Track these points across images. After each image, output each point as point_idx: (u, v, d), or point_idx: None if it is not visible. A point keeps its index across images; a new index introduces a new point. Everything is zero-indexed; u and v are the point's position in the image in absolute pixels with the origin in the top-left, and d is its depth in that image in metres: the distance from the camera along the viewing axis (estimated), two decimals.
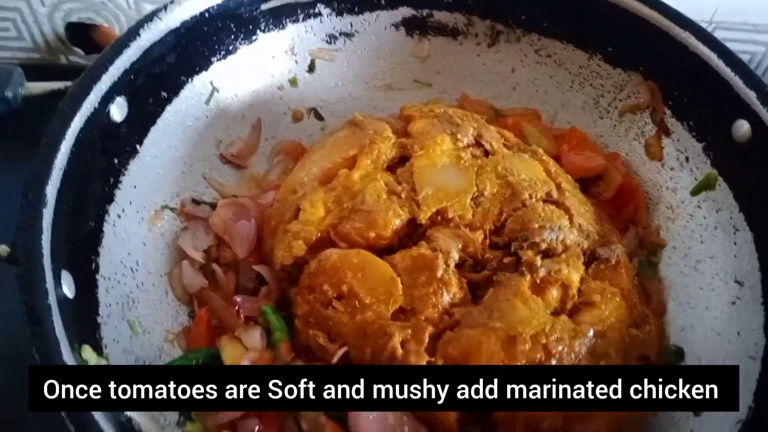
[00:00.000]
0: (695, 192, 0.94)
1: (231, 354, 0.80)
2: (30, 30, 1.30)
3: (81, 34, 1.28)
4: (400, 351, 0.74)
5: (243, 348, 0.81)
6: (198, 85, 0.96)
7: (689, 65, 0.91)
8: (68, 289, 0.71)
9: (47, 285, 0.66)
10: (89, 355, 0.69)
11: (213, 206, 0.94)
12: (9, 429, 0.88)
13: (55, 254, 0.69)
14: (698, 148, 0.94)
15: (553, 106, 1.06)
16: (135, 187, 0.88)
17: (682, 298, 0.91)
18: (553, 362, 0.73)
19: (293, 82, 1.05)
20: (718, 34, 1.10)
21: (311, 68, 1.06)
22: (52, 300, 0.65)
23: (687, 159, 0.95)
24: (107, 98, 0.81)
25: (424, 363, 0.73)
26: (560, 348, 0.73)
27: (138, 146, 0.89)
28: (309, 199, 0.84)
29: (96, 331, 0.74)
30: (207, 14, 0.92)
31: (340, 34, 1.06)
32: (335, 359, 0.77)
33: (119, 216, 0.85)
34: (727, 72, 0.87)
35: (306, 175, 0.89)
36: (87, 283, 0.76)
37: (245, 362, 0.79)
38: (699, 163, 0.94)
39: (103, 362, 0.71)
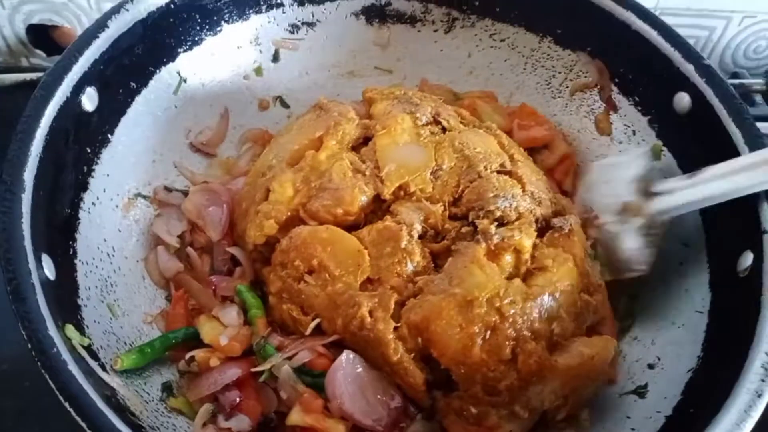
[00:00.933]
0: None
1: (210, 332, 0.83)
2: None
3: (42, 35, 1.29)
4: (368, 319, 0.77)
5: (221, 326, 0.84)
6: (166, 76, 0.98)
7: (633, 43, 0.96)
8: (49, 272, 0.73)
9: (30, 265, 0.68)
10: (73, 334, 0.71)
11: (185, 193, 0.96)
12: None
13: (35, 238, 0.71)
14: (643, 122, 0.99)
15: (509, 88, 1.11)
16: (108, 175, 0.90)
17: None
18: (507, 325, 0.77)
19: (258, 71, 1.08)
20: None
21: (275, 58, 1.09)
22: (35, 280, 0.68)
23: (634, 132, 1.01)
24: (78, 88, 0.83)
25: (391, 329, 0.77)
26: (513, 311, 0.77)
27: (110, 135, 0.91)
28: (278, 180, 0.88)
29: (77, 313, 0.76)
30: (173, 5, 0.94)
31: (303, 23, 1.09)
32: (308, 330, 0.81)
33: (93, 204, 0.87)
34: (667, 48, 0.93)
35: (274, 158, 0.92)
36: (66, 267, 0.79)
37: (224, 339, 0.82)
38: (645, 136, 0.99)
39: (86, 342, 0.73)
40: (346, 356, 0.78)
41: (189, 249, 0.93)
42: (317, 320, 0.81)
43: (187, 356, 0.81)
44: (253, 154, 1.04)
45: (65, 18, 1.30)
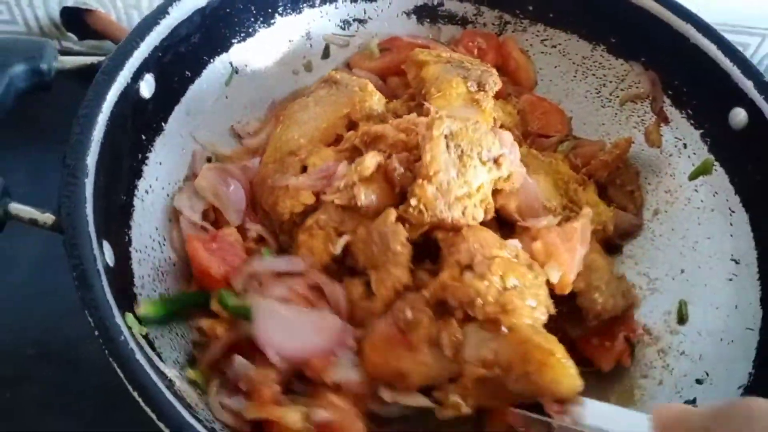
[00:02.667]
0: (693, 177, 0.99)
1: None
2: (23, 14, 1.28)
3: (76, 18, 1.27)
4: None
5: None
6: (219, 66, 0.97)
7: (689, 56, 0.96)
8: (110, 259, 0.72)
9: (95, 251, 0.67)
10: (133, 323, 0.70)
11: None
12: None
13: (97, 224, 0.70)
14: (696, 135, 0.99)
15: (557, 95, 1.11)
16: (160, 163, 0.89)
17: (681, 276, 0.96)
18: None
19: (308, 66, 1.08)
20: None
21: (326, 54, 1.08)
22: (100, 266, 0.67)
23: (685, 146, 1.00)
24: (138, 74, 0.82)
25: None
26: None
27: (163, 123, 0.90)
28: (319, 157, 0.87)
29: (134, 302, 0.76)
30: None
31: (354, 20, 1.09)
32: (338, 249, 0.81)
33: (147, 191, 0.86)
34: (726, 63, 0.92)
35: (301, 137, 0.91)
36: (123, 254, 0.78)
37: None
38: (696, 150, 0.99)
39: (144, 331, 0.72)
40: (262, 306, 0.77)
41: (210, 227, 0.89)
42: (346, 237, 0.81)
43: (196, 326, 0.80)
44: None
45: (100, 2, 1.28)
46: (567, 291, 0.81)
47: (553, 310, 0.77)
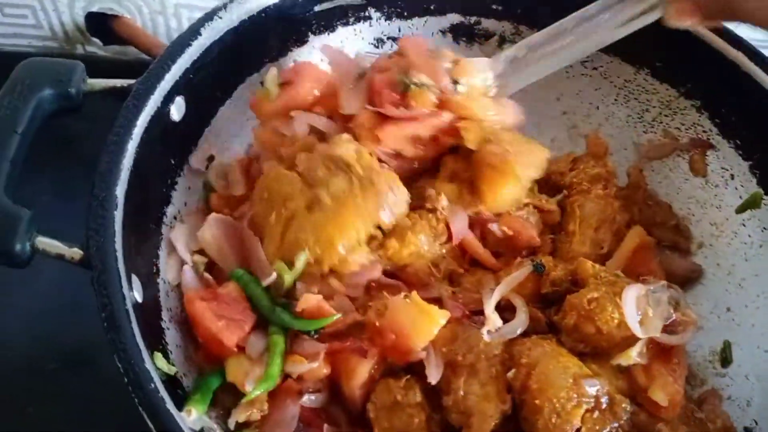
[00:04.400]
0: (740, 210, 0.95)
1: (234, 369, 0.75)
2: (49, 18, 1.27)
3: (101, 24, 1.25)
4: None
5: (246, 360, 0.74)
6: (249, 87, 0.94)
7: (739, 85, 0.91)
8: (138, 294, 0.69)
9: (124, 290, 0.64)
10: (161, 362, 0.67)
11: None
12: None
13: (126, 258, 0.68)
14: (744, 167, 0.95)
15: (597, 118, 1.07)
16: (189, 188, 0.87)
17: (726, 315, 0.92)
18: None
19: None
20: None
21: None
22: (129, 305, 0.64)
23: (732, 176, 0.96)
24: (169, 97, 0.80)
25: None
26: None
27: (193, 147, 0.88)
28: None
29: (162, 337, 0.73)
30: (264, 14, 0.90)
31: (388, 38, 1.05)
32: None
33: (175, 218, 0.83)
34: None
35: (317, 244, 0.76)
36: (151, 287, 0.75)
37: (249, 385, 0.72)
38: (744, 182, 0.95)
39: (174, 370, 0.69)
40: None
41: (207, 276, 0.81)
42: None
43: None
44: None
45: (126, 8, 1.26)
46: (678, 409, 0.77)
47: None
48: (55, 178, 1.03)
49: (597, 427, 0.72)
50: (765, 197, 0.92)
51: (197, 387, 0.72)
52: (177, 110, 0.82)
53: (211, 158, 0.91)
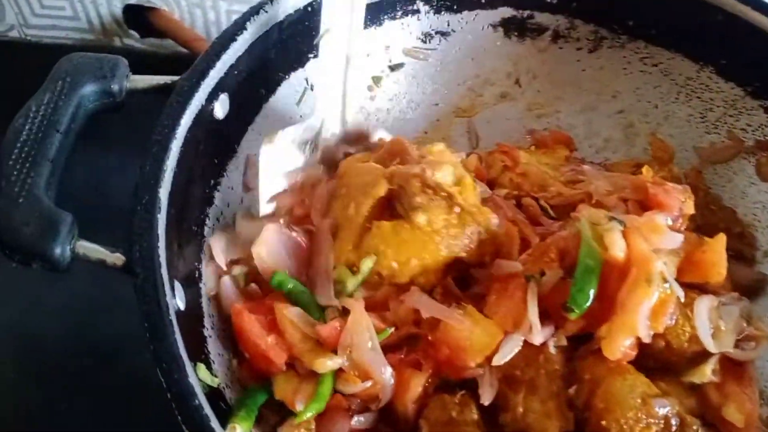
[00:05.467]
0: None
1: (282, 386, 0.72)
2: (86, 10, 1.26)
3: (138, 16, 1.24)
4: None
5: (295, 377, 0.72)
6: (294, 82, 0.91)
7: None
8: (180, 301, 0.67)
9: (167, 298, 0.62)
10: (204, 374, 0.65)
11: None
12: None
13: (170, 264, 0.65)
14: None
15: (656, 117, 1.01)
16: (232, 188, 0.84)
17: None
18: None
19: (384, 80, 1.01)
20: None
21: (403, 66, 1.01)
22: (172, 314, 0.61)
23: None
24: (213, 95, 0.77)
25: None
26: None
27: (236, 146, 0.85)
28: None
29: (204, 346, 0.70)
30: (309, 8, 0.87)
31: (436, 32, 1.01)
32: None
33: (218, 219, 0.81)
34: None
35: (404, 267, 0.74)
36: (193, 293, 0.72)
37: (299, 405, 0.69)
38: None
39: (216, 382, 0.67)
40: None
41: (253, 286, 0.78)
42: None
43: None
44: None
45: (164, 0, 1.24)
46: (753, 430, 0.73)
47: None
48: (96, 177, 1.00)
49: None
50: None
51: (242, 403, 0.69)
52: (221, 108, 0.79)
53: None
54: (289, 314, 0.70)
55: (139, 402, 0.85)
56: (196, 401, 0.57)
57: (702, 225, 0.91)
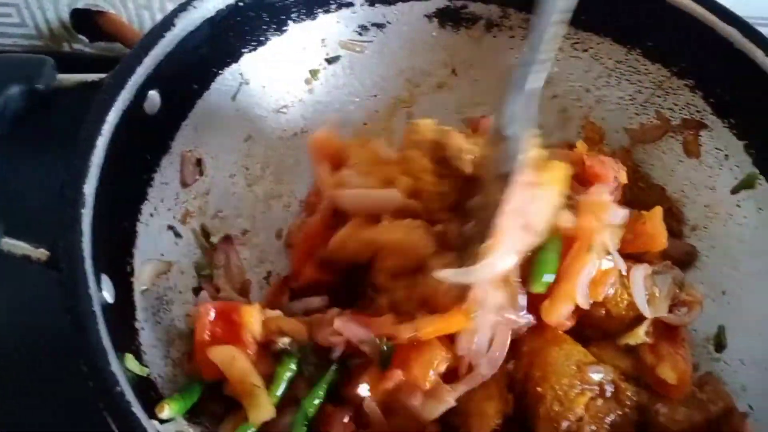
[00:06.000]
0: (735, 191, 0.92)
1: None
2: (33, 16, 1.26)
3: (86, 20, 1.25)
4: None
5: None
6: (228, 78, 0.92)
7: (733, 62, 0.88)
8: (108, 295, 0.68)
9: (90, 291, 0.63)
10: (132, 364, 0.66)
11: None
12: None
13: (95, 258, 0.66)
14: (739, 146, 0.92)
15: (588, 101, 1.03)
16: (166, 184, 0.85)
17: (722, 298, 0.89)
18: None
19: (320, 73, 1.02)
20: None
21: (340, 60, 1.02)
22: (96, 306, 0.63)
23: (726, 157, 0.93)
24: (142, 91, 0.78)
25: None
26: None
27: (170, 141, 0.86)
28: None
29: (135, 338, 0.72)
30: (241, 2, 0.88)
31: (372, 24, 1.02)
32: None
33: (151, 215, 0.82)
34: None
35: None
36: (124, 287, 0.74)
37: None
38: (739, 162, 0.92)
39: (146, 371, 0.68)
40: None
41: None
42: None
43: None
44: None
45: (111, 3, 1.25)
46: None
47: None
48: (27, 179, 1.01)
49: (600, 415, 0.70)
50: (760, 177, 0.89)
51: (182, 390, 0.71)
52: (151, 104, 0.80)
53: (198, 162, 0.91)
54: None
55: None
56: (119, 388, 0.58)
57: (632, 201, 0.94)
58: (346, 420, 0.70)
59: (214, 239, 0.91)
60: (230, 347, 0.71)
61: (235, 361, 0.70)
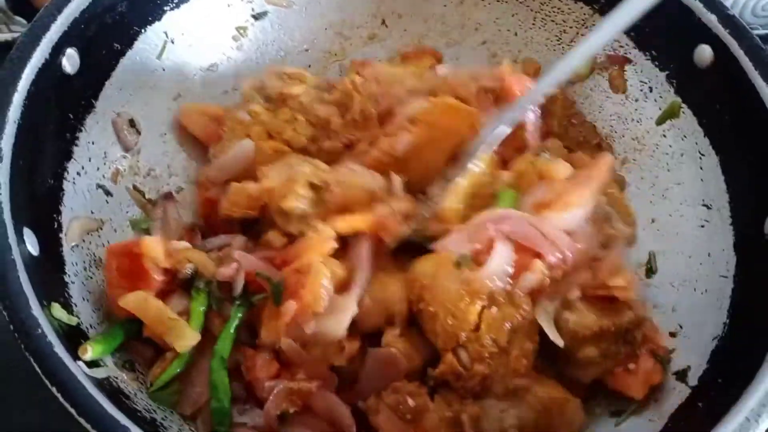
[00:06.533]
0: (660, 121, 0.94)
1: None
2: None
3: (22, 2, 1.22)
4: None
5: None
6: (152, 36, 0.92)
7: None
8: (32, 247, 0.68)
9: (9, 240, 0.63)
10: (59, 313, 0.66)
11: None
12: None
13: (15, 211, 0.66)
14: (661, 77, 0.94)
15: (516, 44, 1.05)
16: (93, 143, 0.85)
17: (651, 226, 0.92)
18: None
19: (248, 30, 1.02)
20: None
21: (267, 15, 1.02)
22: (16, 256, 0.63)
23: (650, 89, 0.96)
24: (58, 49, 0.77)
25: None
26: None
27: (93, 100, 0.85)
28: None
29: (64, 290, 0.71)
30: None
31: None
32: None
33: (78, 174, 0.82)
34: None
35: None
36: (51, 241, 0.73)
37: None
38: (662, 92, 0.94)
39: (75, 321, 0.68)
40: None
41: None
42: None
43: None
44: None
45: None
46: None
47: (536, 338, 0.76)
48: None
49: (498, 323, 0.72)
50: (683, 105, 0.92)
51: (104, 332, 0.72)
52: (69, 62, 0.79)
53: (131, 122, 0.90)
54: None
55: None
56: (39, 330, 0.59)
57: (564, 136, 0.97)
58: (267, 358, 0.72)
59: (151, 197, 0.90)
60: (140, 292, 0.72)
61: (148, 303, 0.71)
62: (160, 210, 0.88)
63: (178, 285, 0.74)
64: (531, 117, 0.88)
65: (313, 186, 0.78)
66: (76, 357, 0.62)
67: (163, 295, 0.74)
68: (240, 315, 0.73)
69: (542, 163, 0.85)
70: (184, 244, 0.77)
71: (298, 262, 0.72)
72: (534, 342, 0.75)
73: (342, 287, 0.73)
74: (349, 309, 0.71)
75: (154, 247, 0.73)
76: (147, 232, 0.86)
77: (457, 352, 0.72)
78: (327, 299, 0.70)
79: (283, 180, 0.77)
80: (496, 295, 0.72)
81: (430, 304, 0.72)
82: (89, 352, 0.65)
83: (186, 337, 0.70)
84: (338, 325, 0.70)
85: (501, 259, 0.73)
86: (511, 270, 0.74)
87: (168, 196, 0.91)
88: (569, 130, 0.99)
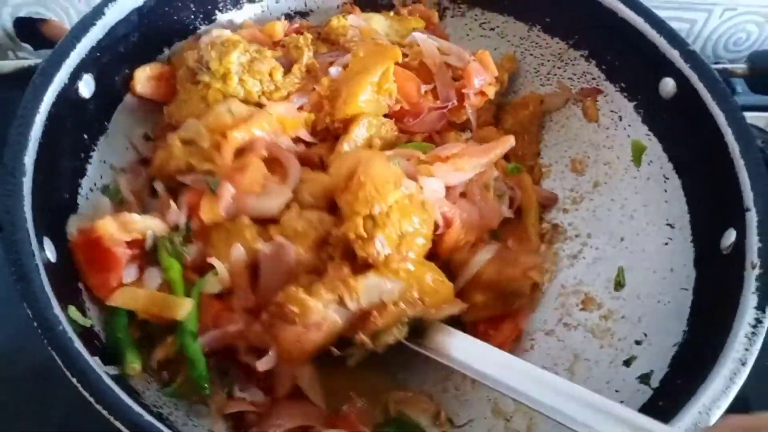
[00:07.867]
0: (637, 162, 1.01)
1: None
2: None
3: (30, 29, 1.29)
4: None
5: None
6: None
7: (619, 31, 0.98)
8: (51, 254, 0.74)
9: (33, 247, 0.69)
10: (76, 315, 0.72)
11: None
12: None
13: (37, 221, 0.72)
14: (630, 107, 1.02)
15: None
16: (104, 162, 0.91)
17: (621, 244, 0.99)
18: None
19: None
20: None
21: None
22: (39, 261, 0.69)
23: (620, 118, 1.03)
24: (75, 75, 0.84)
25: None
26: None
27: (106, 123, 0.92)
28: None
29: (78, 296, 0.77)
30: None
31: (296, 13, 1.11)
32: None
33: (91, 189, 0.88)
34: (653, 34, 0.95)
35: None
36: (67, 250, 0.79)
37: None
38: (631, 121, 1.02)
39: (89, 323, 0.74)
40: None
41: None
42: None
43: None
44: None
45: (53, 11, 1.30)
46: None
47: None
48: None
49: (407, 214, 0.82)
50: (649, 133, 0.99)
51: (130, 342, 0.78)
52: (86, 87, 0.87)
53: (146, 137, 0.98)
54: None
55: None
56: (61, 327, 0.65)
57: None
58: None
59: None
60: (127, 288, 0.78)
61: (135, 294, 0.78)
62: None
63: (148, 255, 0.81)
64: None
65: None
66: (92, 353, 0.68)
67: (139, 270, 0.81)
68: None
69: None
70: (133, 215, 0.81)
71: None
72: (429, 243, 0.86)
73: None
74: (283, 193, 0.84)
75: (108, 226, 0.78)
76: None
77: (366, 221, 0.80)
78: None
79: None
80: (415, 196, 0.83)
81: (362, 175, 0.81)
82: (137, 366, 0.75)
83: (181, 305, 0.76)
84: (274, 203, 0.83)
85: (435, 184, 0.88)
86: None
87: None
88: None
